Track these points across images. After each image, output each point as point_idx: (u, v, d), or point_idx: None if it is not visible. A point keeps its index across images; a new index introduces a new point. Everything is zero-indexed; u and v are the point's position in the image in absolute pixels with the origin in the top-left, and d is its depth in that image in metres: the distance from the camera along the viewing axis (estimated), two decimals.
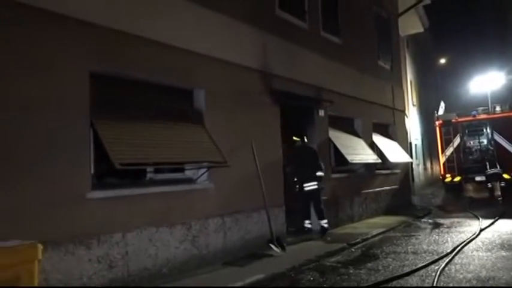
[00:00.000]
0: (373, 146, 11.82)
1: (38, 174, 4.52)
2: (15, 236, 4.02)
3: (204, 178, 6.65)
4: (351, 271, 6.06)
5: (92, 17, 5.14)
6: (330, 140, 9.99)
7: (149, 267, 5.59)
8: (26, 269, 3.72)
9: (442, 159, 17.87)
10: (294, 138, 8.82)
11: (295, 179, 8.71)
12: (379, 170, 12.05)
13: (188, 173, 6.73)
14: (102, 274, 5.04)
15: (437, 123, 18.42)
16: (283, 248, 7.18)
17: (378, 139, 12.25)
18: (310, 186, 8.56)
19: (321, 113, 9.61)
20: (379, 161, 11.35)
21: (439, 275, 5.56)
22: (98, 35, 5.21)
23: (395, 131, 13.65)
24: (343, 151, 9.94)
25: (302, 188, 8.59)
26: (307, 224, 8.76)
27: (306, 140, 8.92)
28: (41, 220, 4.48)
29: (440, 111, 19.90)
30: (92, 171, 5.24)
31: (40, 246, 3.88)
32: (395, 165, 12.97)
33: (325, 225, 8.64)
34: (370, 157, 11.03)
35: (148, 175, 6.21)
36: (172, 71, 6.17)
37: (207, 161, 6.35)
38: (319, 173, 8.58)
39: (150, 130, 5.83)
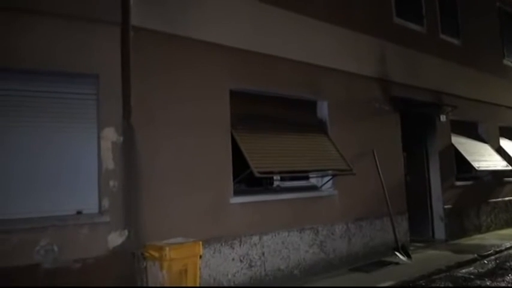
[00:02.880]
0: (501, 152, 11.04)
1: (197, 182, 5.25)
2: (179, 235, 4.76)
3: (329, 185, 6.94)
4: (488, 283, 5.85)
5: (234, 42, 5.82)
6: (453, 146, 9.61)
7: (282, 268, 6.03)
8: (192, 262, 4.41)
9: None
10: None
11: None
12: (508, 177, 11.19)
13: (312, 181, 7.09)
14: (244, 272, 5.60)
15: None
16: (409, 256, 7.16)
17: (506, 144, 11.40)
18: None
19: (443, 118, 9.30)
20: (509, 167, 10.57)
21: None
22: (237, 57, 5.85)
23: None
24: (468, 158, 9.48)
25: None
26: None
27: None
28: (198, 222, 5.18)
29: None
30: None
31: (201, 244, 4.54)
32: None
33: None
34: (499, 163, 10.33)
35: (275, 183, 6.69)
36: (299, 85, 6.62)
37: (333, 169, 6.64)
38: None
39: (280, 140, 6.32)
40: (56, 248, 4.28)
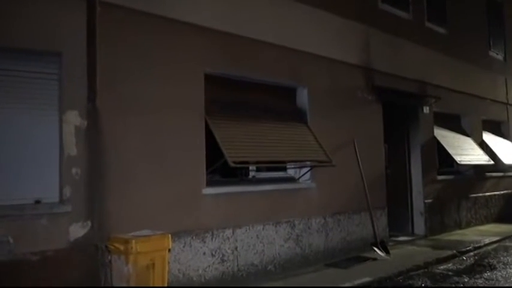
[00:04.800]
0: (484, 146, 11.37)
1: (167, 171, 5.21)
2: (147, 227, 4.73)
3: (307, 177, 7.00)
4: (466, 280, 6.05)
5: (210, 23, 5.75)
6: (435, 139, 9.83)
7: (256, 263, 6.08)
8: (160, 255, 4.40)
9: None
10: None
11: None
12: (489, 172, 11.54)
13: (290, 172, 7.13)
14: (215, 267, 5.61)
15: None
16: (387, 252, 7.32)
17: (488, 138, 11.74)
18: None
19: (426, 110, 9.51)
20: (491, 162, 10.90)
21: None
22: (213, 39, 5.80)
23: (509, 130, 12.96)
24: (450, 151, 9.73)
25: None
26: None
27: None
28: (167, 213, 5.15)
29: None
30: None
31: (170, 237, 4.52)
32: (509, 168, 12.32)
33: None
34: (481, 158, 10.64)
35: (251, 173, 6.70)
36: (278, 70, 6.62)
37: (311, 160, 6.70)
38: None
39: (257, 129, 6.31)
40: (11, 240, 4.18)
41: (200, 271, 5.45)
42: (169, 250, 4.56)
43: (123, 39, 4.98)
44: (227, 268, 5.74)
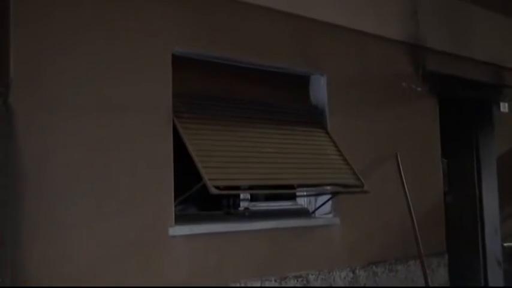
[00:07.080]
0: None
1: (116, 202, 5.20)
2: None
3: (326, 210, 7.04)
4: None
5: None
6: None
7: None
8: None
9: None
10: None
11: None
12: None
13: (301, 202, 7.19)
14: None
15: None
16: None
17: None
18: None
19: (504, 107, 9.61)
20: None
21: None
22: (185, 2, 5.88)
23: None
24: None
25: None
26: None
27: None
28: (115, 266, 5.13)
29: None
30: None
31: None
32: None
33: None
34: None
35: (243, 204, 6.72)
36: (281, 50, 6.70)
37: (333, 184, 6.74)
38: None
39: (251, 137, 6.34)
40: None
41: None
42: None
43: (52, 4, 5.00)
44: None
